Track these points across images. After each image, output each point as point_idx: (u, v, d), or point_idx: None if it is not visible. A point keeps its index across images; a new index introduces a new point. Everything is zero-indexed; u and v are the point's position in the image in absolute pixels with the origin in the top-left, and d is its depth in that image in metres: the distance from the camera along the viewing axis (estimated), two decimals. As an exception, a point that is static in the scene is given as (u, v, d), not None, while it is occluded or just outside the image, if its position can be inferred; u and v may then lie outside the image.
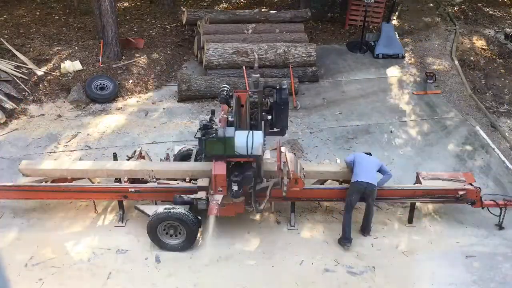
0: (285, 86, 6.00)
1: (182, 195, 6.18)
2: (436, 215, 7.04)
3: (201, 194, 6.15)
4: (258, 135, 5.66)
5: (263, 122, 5.86)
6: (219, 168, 5.70)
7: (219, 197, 5.88)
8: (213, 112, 6.10)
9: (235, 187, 5.79)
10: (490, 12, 14.77)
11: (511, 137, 9.09)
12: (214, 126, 5.83)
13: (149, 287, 5.84)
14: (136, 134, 9.04)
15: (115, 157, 7.40)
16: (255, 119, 5.95)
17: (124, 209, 6.76)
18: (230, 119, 5.85)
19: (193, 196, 6.15)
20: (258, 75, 6.39)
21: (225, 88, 6.12)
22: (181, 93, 10.09)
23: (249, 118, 5.94)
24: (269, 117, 5.95)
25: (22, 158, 8.20)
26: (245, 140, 5.55)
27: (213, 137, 5.61)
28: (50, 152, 8.45)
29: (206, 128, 5.67)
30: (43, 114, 9.57)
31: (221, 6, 15.01)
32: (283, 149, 6.02)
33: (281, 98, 5.87)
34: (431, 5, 15.24)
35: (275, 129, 6.27)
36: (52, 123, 9.32)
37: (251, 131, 5.72)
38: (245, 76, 10.20)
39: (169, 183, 6.59)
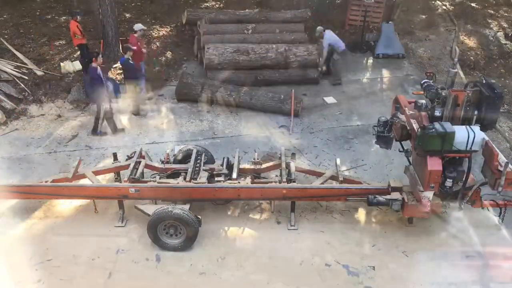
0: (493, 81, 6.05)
1: (376, 196, 6.42)
2: (436, 215, 7.03)
3: (396, 195, 6.42)
4: (477, 130, 5.75)
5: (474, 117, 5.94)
6: (435, 164, 5.80)
7: (430, 194, 6.04)
8: None
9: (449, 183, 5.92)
10: (490, 11, 14.77)
11: (511, 137, 9.09)
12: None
13: (150, 287, 5.85)
14: (136, 134, 9.05)
15: (115, 157, 7.41)
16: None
17: (124, 209, 6.76)
18: (437, 114, 6.00)
19: (388, 197, 6.42)
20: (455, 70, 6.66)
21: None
22: (180, 92, 10.10)
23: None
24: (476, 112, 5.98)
25: (22, 158, 8.23)
26: (466, 135, 5.65)
27: (432, 132, 5.66)
28: (50, 152, 8.45)
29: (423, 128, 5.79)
30: (43, 114, 9.58)
31: (221, 4, 15.02)
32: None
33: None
34: (431, 5, 15.25)
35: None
36: (52, 123, 9.32)
37: (468, 126, 5.80)
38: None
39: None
